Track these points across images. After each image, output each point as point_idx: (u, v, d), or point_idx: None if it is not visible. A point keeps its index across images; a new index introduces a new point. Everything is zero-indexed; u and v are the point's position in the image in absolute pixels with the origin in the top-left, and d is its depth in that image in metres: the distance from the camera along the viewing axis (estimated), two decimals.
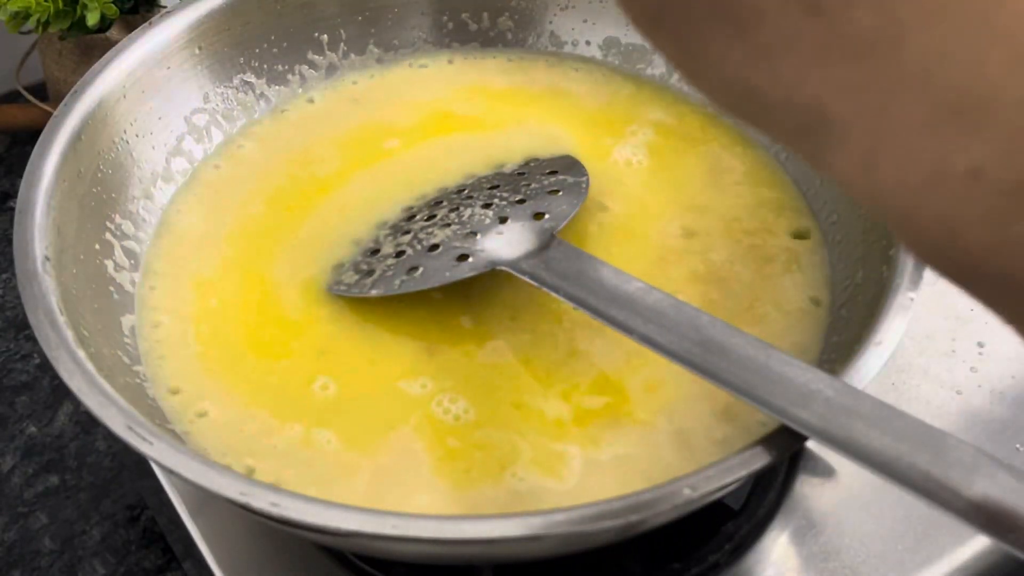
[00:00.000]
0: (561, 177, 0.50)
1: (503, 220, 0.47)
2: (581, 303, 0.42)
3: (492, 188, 0.50)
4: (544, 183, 0.50)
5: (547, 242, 0.45)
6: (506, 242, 0.46)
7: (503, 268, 0.45)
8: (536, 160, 0.53)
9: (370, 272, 0.48)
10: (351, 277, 0.48)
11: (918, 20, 0.22)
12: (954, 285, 0.25)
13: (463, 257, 0.46)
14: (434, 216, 0.49)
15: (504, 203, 0.49)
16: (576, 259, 0.44)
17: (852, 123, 0.24)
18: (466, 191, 0.51)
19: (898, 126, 0.23)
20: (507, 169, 0.53)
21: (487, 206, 0.49)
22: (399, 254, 0.48)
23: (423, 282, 0.46)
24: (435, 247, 0.47)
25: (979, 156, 0.22)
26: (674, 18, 0.26)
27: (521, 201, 0.48)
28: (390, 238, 0.49)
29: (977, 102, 0.22)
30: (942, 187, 0.23)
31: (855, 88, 0.24)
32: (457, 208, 0.49)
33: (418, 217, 0.50)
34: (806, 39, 0.24)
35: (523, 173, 0.52)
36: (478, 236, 0.47)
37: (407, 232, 0.49)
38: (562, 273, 0.43)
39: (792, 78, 0.25)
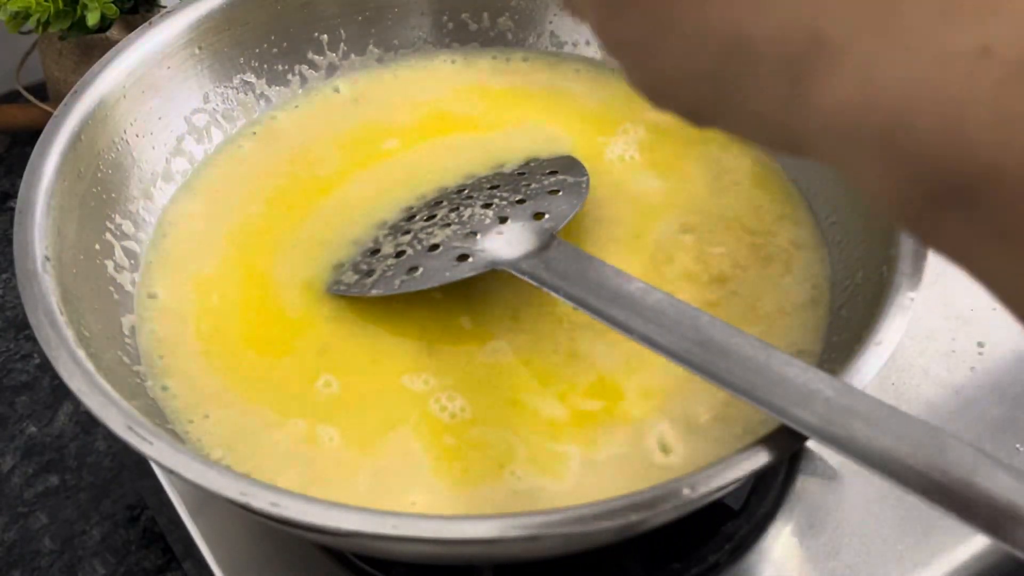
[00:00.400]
0: (561, 177, 0.50)
1: (503, 220, 0.47)
2: (581, 303, 0.42)
3: (492, 188, 0.50)
4: (544, 183, 0.50)
5: (547, 242, 0.45)
6: (506, 242, 0.46)
7: (503, 268, 0.45)
8: (536, 160, 0.53)
9: (370, 272, 0.48)
10: (351, 277, 0.48)
11: None
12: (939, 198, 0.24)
13: (463, 257, 0.46)
14: (434, 216, 0.49)
15: (504, 203, 0.48)
16: (576, 259, 0.44)
17: (849, 39, 0.24)
18: (466, 191, 0.51)
19: (906, 22, 0.24)
20: (507, 169, 0.53)
21: (487, 206, 0.48)
22: (399, 254, 0.48)
23: (423, 282, 0.46)
24: (435, 247, 0.47)
25: (991, 35, 0.23)
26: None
27: (521, 201, 0.48)
28: (390, 238, 0.49)
29: None
30: (949, 68, 0.23)
31: (854, 5, 0.24)
32: (457, 208, 0.49)
33: (418, 217, 0.50)
34: None
35: (523, 173, 0.52)
36: (478, 236, 0.47)
37: (407, 232, 0.49)
38: (562, 273, 0.43)
39: (785, 9, 0.25)
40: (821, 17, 0.25)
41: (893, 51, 0.24)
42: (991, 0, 0.23)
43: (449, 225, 0.48)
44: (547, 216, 0.47)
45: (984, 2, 0.23)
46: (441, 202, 0.50)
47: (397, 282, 0.47)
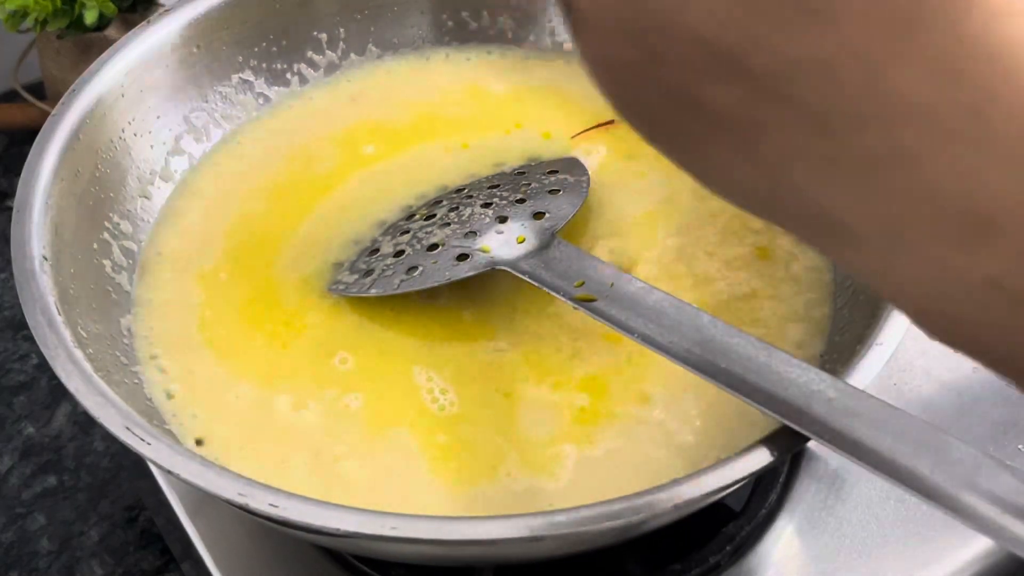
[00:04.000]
0: (561, 176, 0.50)
1: (503, 220, 0.47)
2: (581, 303, 0.42)
3: (492, 187, 0.50)
4: (544, 182, 0.50)
5: (547, 242, 0.45)
6: (505, 241, 0.46)
7: (503, 268, 0.45)
8: (536, 160, 0.53)
9: (369, 272, 0.48)
10: (350, 277, 0.48)
11: (927, 144, 0.23)
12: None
13: (463, 257, 0.46)
14: (433, 216, 0.49)
15: (504, 202, 0.48)
16: (577, 259, 0.44)
17: (867, 229, 0.24)
18: (465, 190, 0.51)
19: (913, 235, 0.24)
20: (507, 169, 0.53)
21: (487, 205, 0.48)
22: (398, 254, 0.48)
23: (422, 281, 0.46)
24: (434, 247, 0.47)
25: (995, 268, 0.23)
26: (671, 127, 0.26)
27: (521, 200, 0.48)
28: (389, 238, 0.49)
29: (987, 218, 0.23)
30: (962, 294, 0.23)
31: (866, 199, 0.24)
32: (456, 207, 0.49)
33: (417, 216, 0.50)
34: (814, 153, 0.24)
35: (523, 172, 0.52)
36: (478, 235, 0.47)
37: (406, 232, 0.49)
38: (562, 273, 0.43)
39: (802, 187, 0.25)
40: (838, 204, 0.24)
41: (908, 256, 0.24)
42: (984, 231, 0.23)
43: (448, 224, 0.48)
44: (547, 216, 0.47)
45: (978, 235, 0.23)
46: (440, 201, 0.50)
47: (396, 281, 0.46)
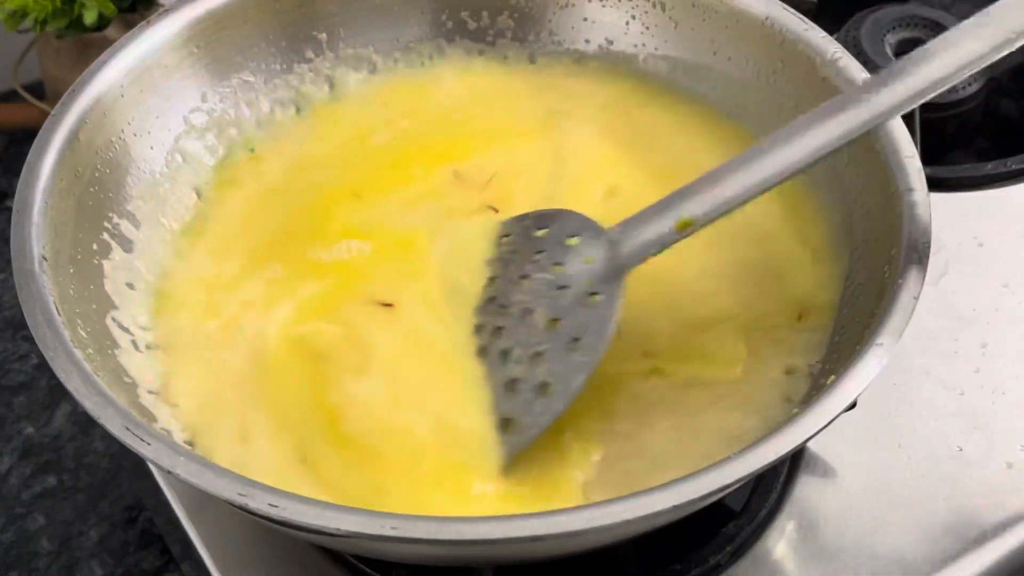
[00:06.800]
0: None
1: (559, 264, 0.46)
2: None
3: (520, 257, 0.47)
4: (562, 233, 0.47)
5: (615, 238, 0.45)
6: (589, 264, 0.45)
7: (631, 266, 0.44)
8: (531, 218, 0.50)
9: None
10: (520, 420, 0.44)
11: None
12: None
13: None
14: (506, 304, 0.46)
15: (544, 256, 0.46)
16: (645, 220, 0.44)
17: None
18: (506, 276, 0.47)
19: None
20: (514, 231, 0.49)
21: (532, 270, 0.46)
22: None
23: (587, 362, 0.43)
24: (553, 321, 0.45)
25: None
26: None
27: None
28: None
29: None
30: None
31: None
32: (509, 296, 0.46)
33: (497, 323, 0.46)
34: None
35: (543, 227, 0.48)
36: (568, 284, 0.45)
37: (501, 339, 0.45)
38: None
39: None
40: None
41: None
42: None
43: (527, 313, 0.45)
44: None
45: None
46: (494, 297, 0.47)
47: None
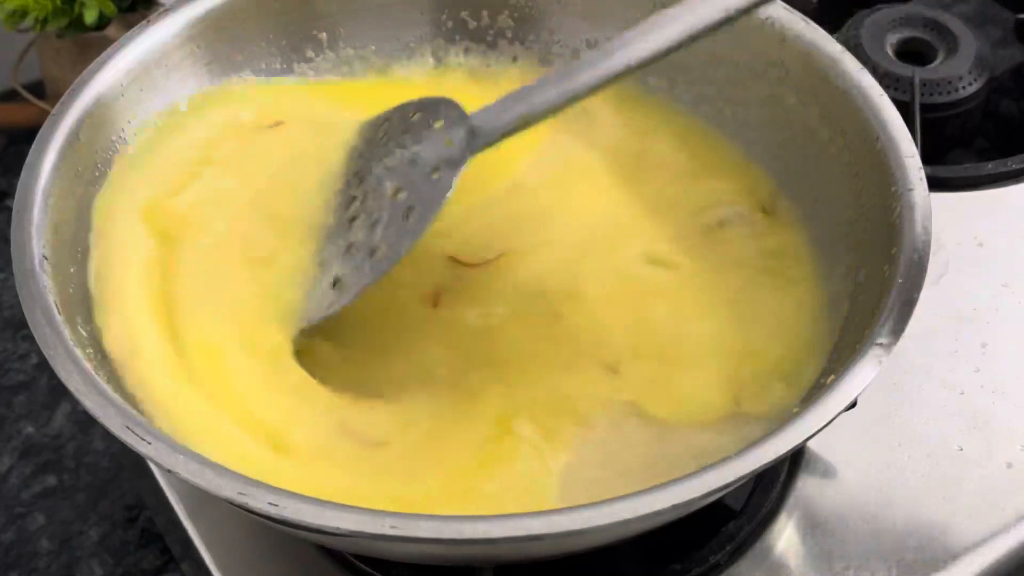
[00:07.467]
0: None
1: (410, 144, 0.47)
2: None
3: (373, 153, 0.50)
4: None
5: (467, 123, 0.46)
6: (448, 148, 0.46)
7: (484, 146, 0.45)
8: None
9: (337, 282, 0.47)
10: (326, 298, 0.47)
11: None
12: None
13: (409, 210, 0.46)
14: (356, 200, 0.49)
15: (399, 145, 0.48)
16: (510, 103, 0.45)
17: None
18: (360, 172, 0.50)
19: None
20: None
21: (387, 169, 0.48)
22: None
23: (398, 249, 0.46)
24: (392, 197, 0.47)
25: None
26: None
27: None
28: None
29: None
30: None
31: None
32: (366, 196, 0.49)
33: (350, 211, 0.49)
34: None
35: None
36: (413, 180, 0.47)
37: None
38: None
39: None
40: None
41: None
42: None
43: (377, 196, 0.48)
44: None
45: None
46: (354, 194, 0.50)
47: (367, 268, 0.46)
